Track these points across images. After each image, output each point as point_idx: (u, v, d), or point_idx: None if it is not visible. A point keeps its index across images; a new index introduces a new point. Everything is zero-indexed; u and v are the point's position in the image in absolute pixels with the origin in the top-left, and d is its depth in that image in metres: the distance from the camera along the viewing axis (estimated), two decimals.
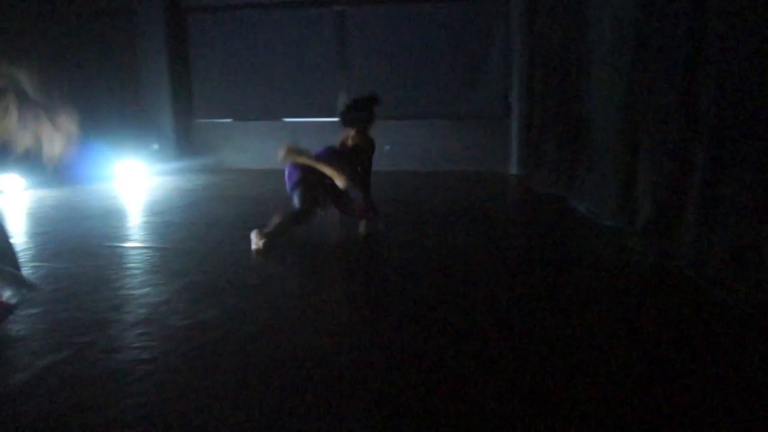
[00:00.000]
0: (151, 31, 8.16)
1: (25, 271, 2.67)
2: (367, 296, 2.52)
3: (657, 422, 1.42)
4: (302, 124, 8.53)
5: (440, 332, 2.00)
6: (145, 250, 3.20)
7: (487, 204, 5.11)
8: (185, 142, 8.63)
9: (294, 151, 3.53)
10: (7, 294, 1.88)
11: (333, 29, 8.27)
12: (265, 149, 8.63)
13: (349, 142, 3.96)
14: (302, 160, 3.50)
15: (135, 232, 3.80)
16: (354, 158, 3.84)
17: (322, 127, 8.49)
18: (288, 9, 8.32)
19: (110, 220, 4.23)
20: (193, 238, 3.54)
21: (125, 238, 3.55)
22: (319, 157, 3.54)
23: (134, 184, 6.59)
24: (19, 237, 3.61)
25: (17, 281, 1.94)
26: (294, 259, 3.13)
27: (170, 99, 8.35)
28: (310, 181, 3.44)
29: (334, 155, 3.68)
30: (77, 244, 3.32)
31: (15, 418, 1.43)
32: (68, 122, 2.21)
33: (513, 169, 7.60)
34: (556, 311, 2.23)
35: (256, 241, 3.15)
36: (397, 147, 8.23)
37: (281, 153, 3.50)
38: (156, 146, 8.36)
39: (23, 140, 2.03)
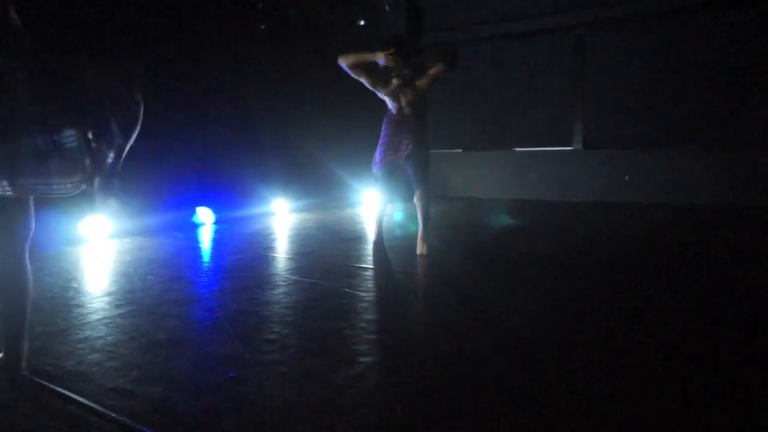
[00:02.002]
0: None
1: (290, 283, 3.01)
2: None
3: None
4: (534, 154, 8.32)
5: None
6: (374, 271, 3.37)
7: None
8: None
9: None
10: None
11: (570, 55, 7.93)
12: (494, 179, 8.66)
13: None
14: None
15: (379, 255, 4.05)
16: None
17: (555, 156, 8.16)
18: (522, 39, 8.25)
19: (358, 243, 4.59)
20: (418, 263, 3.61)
21: (365, 261, 3.79)
22: None
23: (374, 210, 7.13)
24: (288, 254, 4.16)
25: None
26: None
27: None
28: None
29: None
30: (331, 264, 3.66)
31: None
32: None
33: None
34: None
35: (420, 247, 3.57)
36: (637, 177, 7.46)
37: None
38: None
39: None
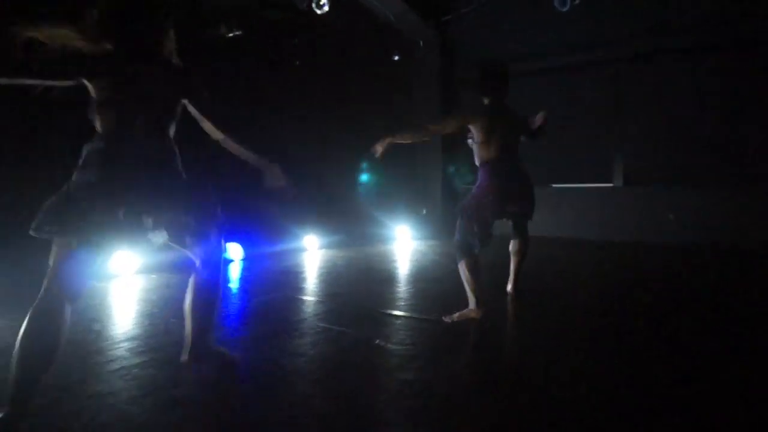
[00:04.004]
0: (427, 102, 8.79)
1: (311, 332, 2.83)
2: None
3: None
4: (571, 190, 8.04)
5: None
6: (409, 320, 3.16)
7: None
8: (451, 208, 8.90)
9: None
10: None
11: (609, 89, 7.71)
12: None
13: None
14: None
15: (408, 299, 3.84)
16: None
17: (592, 193, 7.86)
18: (559, 74, 8.08)
19: (391, 285, 4.40)
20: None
21: (398, 306, 3.59)
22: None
23: (406, 247, 6.94)
24: (318, 296, 3.99)
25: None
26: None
27: (441, 166, 8.77)
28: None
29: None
30: (362, 309, 3.47)
31: None
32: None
33: None
34: None
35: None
36: (682, 215, 7.10)
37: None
38: (424, 211, 8.81)
39: None
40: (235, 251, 5.71)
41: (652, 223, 7.34)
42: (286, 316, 3.35)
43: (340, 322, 3.16)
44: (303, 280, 4.75)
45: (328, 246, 6.68)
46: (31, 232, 1.76)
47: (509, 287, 3.79)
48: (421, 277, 4.81)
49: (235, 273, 5.06)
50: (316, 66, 7.25)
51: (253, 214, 6.10)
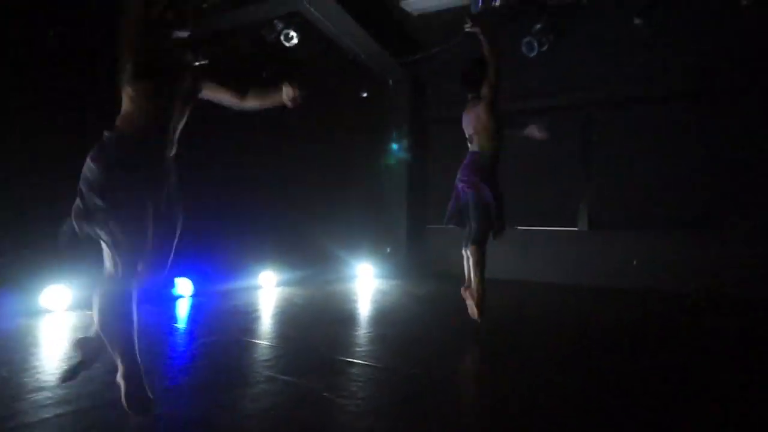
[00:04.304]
0: (395, 140, 8.70)
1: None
2: None
3: None
4: (535, 233, 7.97)
5: None
6: (364, 369, 2.90)
7: None
8: (416, 247, 8.73)
9: None
10: None
11: (577, 134, 7.77)
12: (495, 255, 8.24)
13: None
14: None
15: (365, 345, 3.58)
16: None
17: (558, 236, 7.81)
18: (529, 116, 8.12)
19: (348, 328, 4.13)
20: (402, 356, 3.15)
21: (353, 353, 3.32)
22: None
23: (368, 286, 6.69)
24: (268, 339, 3.69)
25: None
26: None
27: (406, 205, 8.62)
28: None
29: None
30: (314, 355, 3.20)
31: None
32: None
33: None
34: None
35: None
36: (643, 262, 7.09)
37: None
38: (388, 250, 8.60)
39: None
40: (184, 287, 5.35)
41: (615, 267, 7.31)
42: (230, 363, 3.04)
43: (287, 370, 2.87)
44: (255, 320, 4.43)
45: (286, 284, 6.36)
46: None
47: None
48: (381, 319, 4.57)
49: (182, 311, 4.70)
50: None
51: (206, 246, 5.77)
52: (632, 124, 7.44)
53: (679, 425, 2.27)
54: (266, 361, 3.09)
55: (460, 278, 3.91)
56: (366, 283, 6.95)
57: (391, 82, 8.55)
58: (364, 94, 8.14)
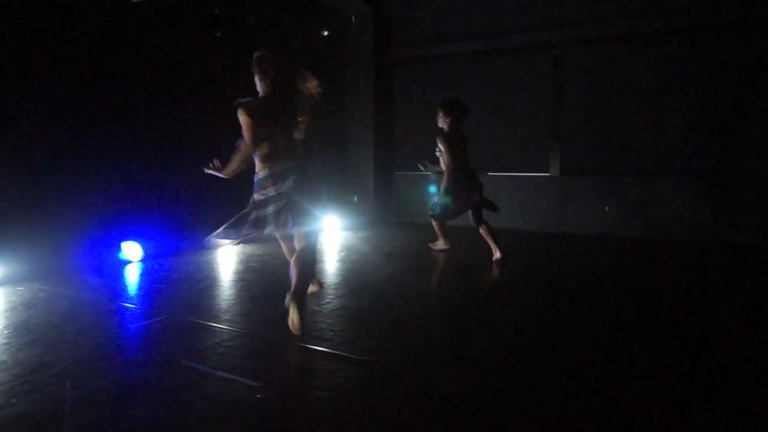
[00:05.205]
0: (360, 84, 8.16)
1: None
2: None
3: None
4: (508, 179, 7.70)
5: None
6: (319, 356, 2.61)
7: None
8: (384, 194, 8.40)
9: None
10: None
11: (548, 75, 7.37)
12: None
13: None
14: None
15: (333, 329, 3.29)
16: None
17: (530, 182, 7.57)
18: (497, 57, 7.66)
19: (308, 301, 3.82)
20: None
21: (321, 339, 3.03)
22: None
23: (334, 242, 6.37)
24: (220, 319, 3.35)
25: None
26: None
27: (373, 151, 8.21)
28: None
29: None
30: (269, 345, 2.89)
31: None
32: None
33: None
34: None
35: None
36: (615, 208, 6.95)
37: None
38: (355, 199, 8.25)
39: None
40: (132, 251, 4.93)
41: (587, 214, 7.17)
42: (174, 354, 2.70)
43: (239, 364, 2.56)
44: (205, 290, 4.06)
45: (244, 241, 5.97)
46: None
47: (497, 255, 4.97)
48: (348, 287, 4.26)
49: (130, 279, 4.32)
50: (240, 41, 6.39)
51: (155, 204, 5.32)
52: (606, 64, 7.08)
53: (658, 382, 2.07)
54: (203, 350, 2.77)
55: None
56: (332, 238, 6.62)
57: (353, 18, 7.90)
58: (325, 33, 7.51)
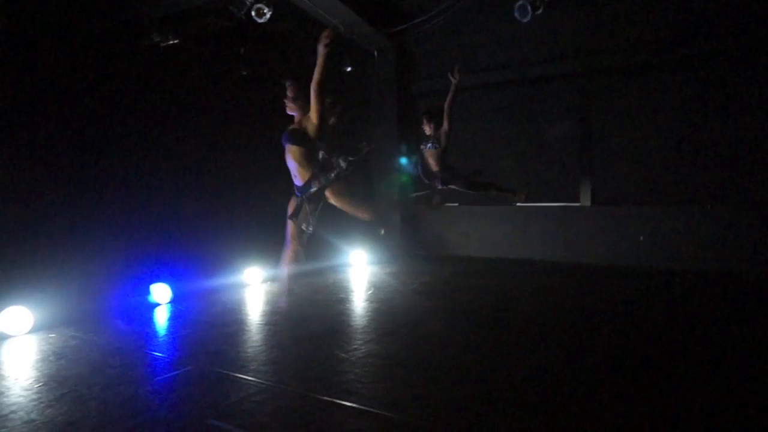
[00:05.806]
0: (384, 117, 8.20)
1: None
2: None
3: None
4: (537, 209, 7.57)
5: None
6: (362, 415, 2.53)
7: None
8: (410, 227, 8.34)
9: None
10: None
11: (575, 104, 7.28)
12: (493, 235, 7.88)
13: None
14: None
15: (364, 377, 3.21)
16: None
17: (558, 212, 7.42)
18: (524, 87, 7.61)
19: (333, 347, 3.76)
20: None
21: (351, 392, 2.95)
22: None
23: (361, 278, 6.32)
24: (244, 369, 3.31)
25: None
26: None
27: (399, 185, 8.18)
28: None
29: None
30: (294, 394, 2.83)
31: None
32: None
33: None
34: None
35: None
36: (651, 238, 6.74)
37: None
38: (382, 231, 8.19)
39: None
40: (161, 293, 4.96)
41: (620, 244, 6.97)
42: (189, 412, 2.65)
43: (253, 421, 2.49)
44: (233, 335, 4.03)
45: (273, 279, 5.97)
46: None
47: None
48: (375, 332, 4.17)
49: (150, 324, 4.32)
50: (264, 77, 6.50)
51: (185, 246, 5.36)
52: (635, 92, 6.96)
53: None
54: (225, 406, 2.71)
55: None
56: (360, 273, 6.57)
57: (376, 53, 7.98)
58: (348, 69, 7.57)
